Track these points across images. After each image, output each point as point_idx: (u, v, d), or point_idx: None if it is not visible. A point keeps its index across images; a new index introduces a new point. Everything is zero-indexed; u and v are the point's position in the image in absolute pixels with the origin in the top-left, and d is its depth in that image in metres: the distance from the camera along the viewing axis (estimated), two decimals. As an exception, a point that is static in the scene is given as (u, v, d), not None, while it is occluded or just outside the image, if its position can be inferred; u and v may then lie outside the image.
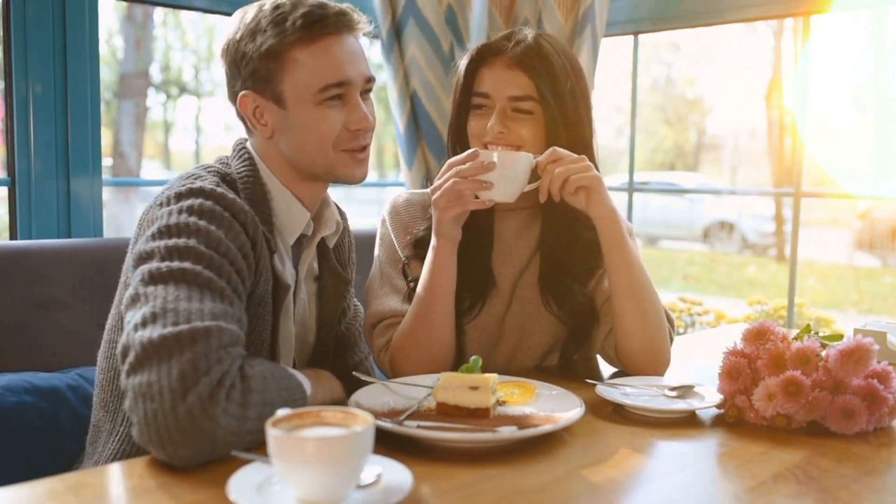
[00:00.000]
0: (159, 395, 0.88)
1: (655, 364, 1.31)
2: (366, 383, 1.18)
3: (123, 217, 8.91)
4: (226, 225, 1.06)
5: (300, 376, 1.07)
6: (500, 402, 1.11)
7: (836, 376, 1.07)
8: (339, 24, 1.15)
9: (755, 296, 3.65)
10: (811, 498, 0.86)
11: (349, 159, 1.19)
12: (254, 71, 1.15)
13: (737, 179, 14.19)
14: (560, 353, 1.41)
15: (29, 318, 1.47)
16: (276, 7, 1.14)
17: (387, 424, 0.98)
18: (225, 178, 1.16)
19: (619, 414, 1.14)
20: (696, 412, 1.15)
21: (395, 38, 2.31)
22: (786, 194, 2.41)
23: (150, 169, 12.14)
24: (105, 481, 0.89)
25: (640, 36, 2.46)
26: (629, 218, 2.64)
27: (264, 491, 0.79)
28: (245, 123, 1.22)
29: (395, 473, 0.83)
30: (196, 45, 12.77)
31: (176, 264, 0.99)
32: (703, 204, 11.91)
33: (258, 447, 0.89)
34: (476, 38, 2.33)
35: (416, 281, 1.33)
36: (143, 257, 1.02)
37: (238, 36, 1.15)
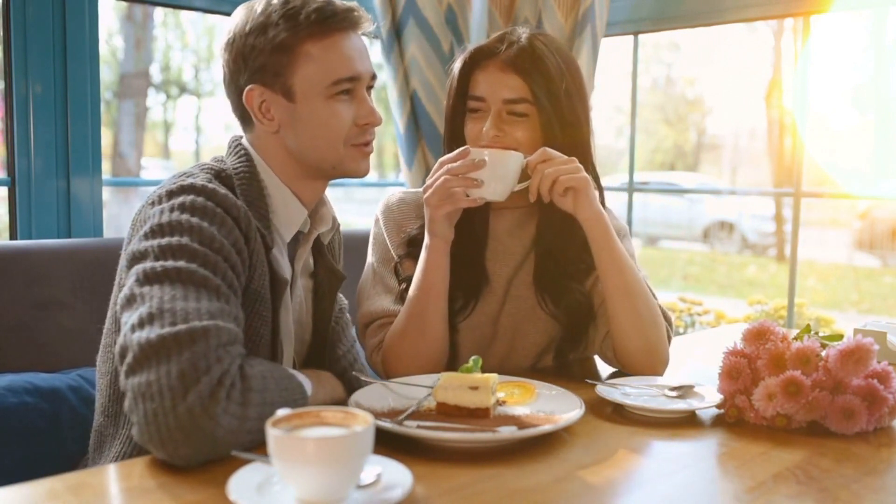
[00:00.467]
0: (159, 394, 0.88)
1: (654, 363, 1.31)
2: (366, 383, 1.18)
3: (123, 217, 8.91)
4: (218, 221, 1.05)
5: (301, 376, 1.07)
6: (500, 402, 1.11)
7: (836, 376, 1.07)
8: (348, 20, 1.17)
9: (755, 296, 3.65)
10: (811, 498, 0.86)
11: (357, 154, 1.20)
12: (263, 65, 1.15)
13: (737, 179, 14.19)
14: (555, 352, 1.41)
15: (29, 318, 1.47)
16: (287, 2, 1.15)
17: (387, 424, 0.98)
18: (219, 175, 1.16)
19: (619, 414, 1.14)
20: (696, 412, 1.15)
21: (395, 38, 2.31)
22: (786, 194, 2.41)
23: (150, 169, 12.14)
24: (105, 481, 0.89)
25: (640, 36, 2.46)
26: (629, 218, 2.64)
27: (264, 491, 0.79)
28: (244, 119, 1.21)
29: (395, 473, 0.83)
30: (196, 45, 12.77)
31: (170, 263, 0.99)
32: (703, 204, 11.91)
33: (258, 447, 0.89)
34: (476, 38, 2.33)
35: (408, 280, 1.33)
36: (137, 257, 1.02)
37: (247, 29, 1.15)
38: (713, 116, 15.38)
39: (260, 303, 1.13)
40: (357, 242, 1.50)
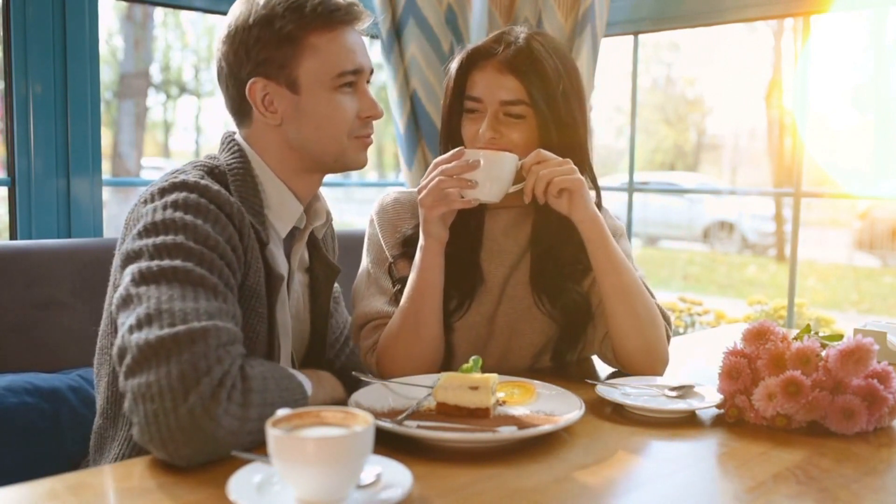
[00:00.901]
0: (159, 395, 0.87)
1: (653, 363, 1.31)
2: (366, 383, 1.18)
3: (123, 217, 8.89)
4: (212, 218, 1.05)
5: (301, 376, 1.07)
6: (500, 402, 1.11)
7: (836, 376, 1.07)
8: (351, 14, 1.18)
9: (755, 296, 3.65)
10: (811, 498, 0.86)
11: (359, 145, 1.22)
12: (267, 57, 1.15)
13: (737, 179, 14.19)
14: (553, 353, 1.41)
15: (29, 318, 1.47)
16: None
17: (387, 424, 0.98)
18: (212, 172, 1.15)
19: (618, 414, 1.14)
20: (696, 412, 1.15)
21: (395, 38, 2.31)
22: (786, 194, 2.41)
23: (152, 169, 12.14)
24: (105, 481, 0.89)
25: (640, 36, 2.46)
26: (629, 218, 2.64)
27: (264, 491, 0.79)
28: (240, 113, 1.20)
29: (395, 473, 0.83)
30: (196, 45, 12.76)
31: (166, 262, 0.98)
32: (703, 204, 11.91)
33: (258, 447, 0.89)
34: (476, 37, 2.33)
35: (402, 282, 1.33)
36: (132, 257, 1.01)
37: (251, 21, 1.14)
38: (713, 116, 15.38)
39: (256, 299, 1.13)
40: (357, 242, 1.50)
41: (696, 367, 1.46)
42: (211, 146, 13.02)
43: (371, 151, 1.26)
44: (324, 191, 1.43)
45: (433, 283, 1.28)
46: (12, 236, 1.82)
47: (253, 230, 1.12)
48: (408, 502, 0.81)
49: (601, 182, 1.45)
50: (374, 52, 2.37)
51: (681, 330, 3.58)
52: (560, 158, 1.25)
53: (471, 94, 1.34)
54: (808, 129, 2.25)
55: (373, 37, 2.34)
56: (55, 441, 1.35)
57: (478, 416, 1.05)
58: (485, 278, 1.39)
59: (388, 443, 0.95)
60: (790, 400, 1.05)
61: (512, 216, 1.41)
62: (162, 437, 0.87)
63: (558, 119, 1.31)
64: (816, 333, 1.14)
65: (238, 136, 1.24)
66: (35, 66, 1.78)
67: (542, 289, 1.38)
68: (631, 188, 2.62)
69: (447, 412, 1.06)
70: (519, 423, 1.03)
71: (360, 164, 1.24)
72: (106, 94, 10.87)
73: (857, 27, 11.31)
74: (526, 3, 2.27)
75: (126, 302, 0.97)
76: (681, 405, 1.14)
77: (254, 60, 1.15)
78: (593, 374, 1.40)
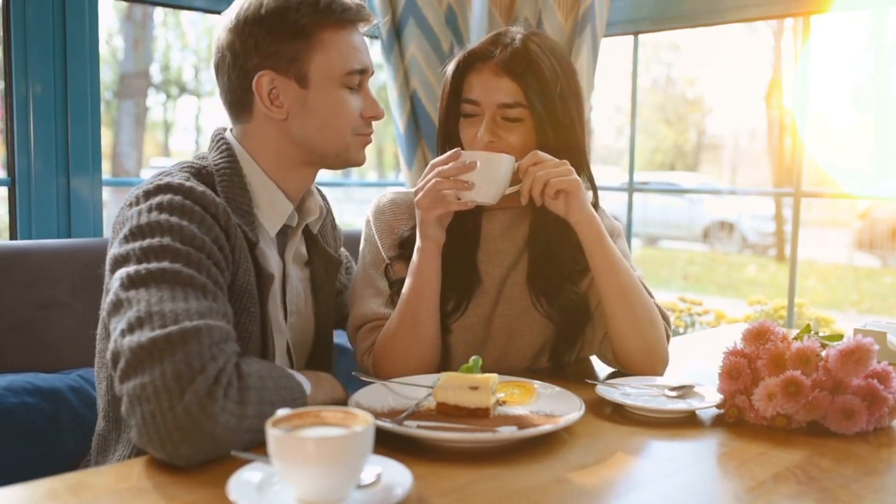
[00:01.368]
0: (155, 396, 0.87)
1: (653, 363, 1.31)
2: (366, 383, 1.18)
3: (123, 217, 8.89)
4: (197, 219, 1.05)
5: (300, 376, 1.07)
6: (500, 402, 1.11)
7: (836, 376, 1.07)
8: (361, 14, 1.19)
9: (755, 296, 3.65)
10: (811, 498, 0.86)
11: (361, 143, 1.24)
12: (278, 50, 1.14)
13: (737, 179, 14.19)
14: (550, 353, 1.40)
15: (29, 318, 1.47)
16: None
17: (387, 424, 0.98)
18: (199, 173, 1.15)
19: (618, 414, 1.14)
20: (696, 412, 1.15)
21: (395, 38, 2.31)
22: (786, 194, 2.41)
23: (154, 169, 12.15)
24: (104, 481, 0.89)
25: (640, 36, 2.46)
26: (629, 218, 2.64)
27: (264, 491, 0.79)
28: (240, 106, 1.19)
29: (395, 473, 0.83)
30: (196, 45, 12.77)
31: (154, 265, 0.98)
32: (703, 204, 11.91)
33: (258, 447, 0.89)
34: (476, 38, 2.33)
35: (399, 283, 1.33)
36: (119, 261, 1.01)
37: (263, 11, 1.14)
38: (713, 116, 15.40)
39: (247, 299, 1.13)
40: (356, 242, 1.50)
41: (696, 367, 1.46)
42: (211, 146, 12.97)
43: (371, 151, 1.27)
44: (324, 191, 1.43)
45: (430, 284, 1.27)
46: (12, 236, 1.82)
47: (240, 230, 1.12)
48: (408, 502, 0.81)
49: (602, 182, 1.45)
50: (374, 52, 2.37)
51: (681, 330, 3.58)
52: (556, 160, 1.25)
53: (468, 97, 1.33)
54: (808, 129, 2.25)
55: (373, 37, 2.34)
56: (55, 441, 1.35)
57: (478, 416, 1.05)
58: (482, 279, 1.39)
59: (388, 443, 0.95)
60: (790, 400, 1.05)
61: (509, 217, 1.41)
62: (160, 437, 0.87)
63: (555, 120, 1.31)
64: (816, 333, 1.14)
65: (228, 134, 1.23)
66: (35, 66, 1.78)
67: (540, 289, 1.37)
68: (631, 188, 2.62)
69: (447, 412, 1.06)
70: (519, 423, 1.03)
71: (360, 161, 1.25)
72: (106, 94, 10.88)
73: (857, 27, 11.32)
74: (526, 3, 2.27)
75: (116, 307, 0.97)
76: (681, 405, 1.14)
77: (263, 52, 1.14)
78: (592, 375, 1.40)
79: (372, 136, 1.26)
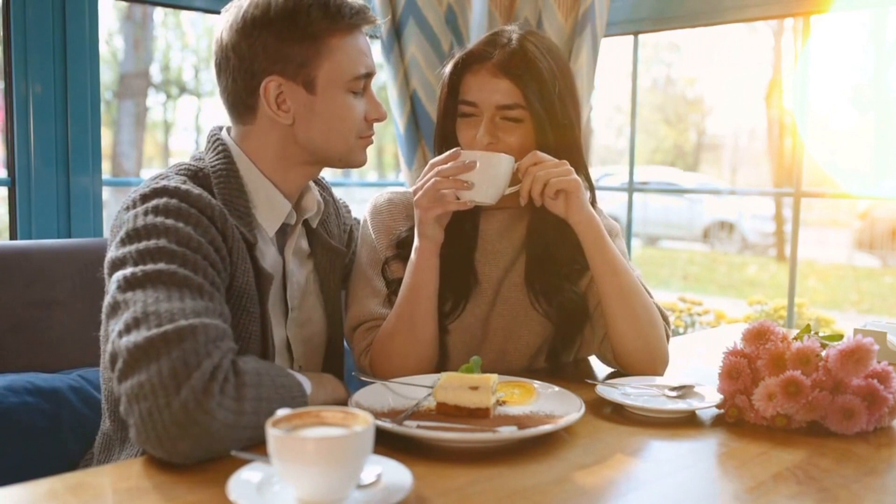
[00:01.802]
0: (152, 393, 0.88)
1: (653, 363, 1.31)
2: (366, 383, 1.18)
3: (123, 217, 8.89)
4: (193, 221, 1.05)
5: (300, 376, 1.07)
6: (500, 402, 1.11)
7: (836, 376, 1.07)
8: (368, 18, 1.20)
9: (755, 296, 3.66)
10: (811, 498, 0.86)
11: (364, 145, 1.25)
12: (287, 54, 1.14)
13: (737, 179, 14.19)
14: (548, 353, 1.40)
15: (29, 318, 1.47)
16: None
17: (387, 424, 0.98)
18: (196, 175, 1.15)
19: (619, 414, 1.14)
20: (696, 412, 1.15)
21: (395, 38, 2.31)
22: (786, 194, 2.41)
23: (150, 169, 12.15)
24: (104, 481, 0.89)
25: (640, 36, 2.46)
26: (629, 218, 2.64)
27: (264, 491, 0.79)
28: (244, 108, 1.19)
29: (395, 473, 0.83)
30: (196, 45, 12.76)
31: (150, 267, 0.98)
32: (703, 204, 11.91)
33: (257, 446, 0.89)
34: (476, 38, 2.32)
35: (396, 284, 1.32)
36: (117, 264, 1.02)
37: (272, 14, 1.13)
38: (713, 116, 15.39)
39: (246, 299, 1.13)
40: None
41: (696, 367, 1.46)
42: (211, 146, 12.96)
43: (371, 151, 1.28)
44: (324, 190, 1.43)
45: (428, 284, 1.27)
46: (12, 236, 1.82)
47: (238, 231, 1.12)
48: (408, 502, 0.81)
49: (603, 182, 1.45)
50: (375, 52, 2.37)
51: (681, 330, 3.58)
52: (556, 160, 1.25)
53: (466, 99, 1.33)
54: (808, 129, 2.25)
55: (373, 37, 2.34)
56: (56, 441, 1.35)
57: (478, 416, 1.05)
58: (479, 280, 1.38)
59: (388, 443, 0.95)
60: (790, 400, 1.05)
61: (506, 217, 1.41)
62: (158, 434, 0.87)
63: (555, 120, 1.31)
64: (816, 333, 1.14)
65: (224, 135, 1.23)
66: (35, 66, 1.78)
67: (539, 289, 1.37)
68: (631, 188, 2.62)
69: (447, 412, 1.06)
70: (519, 423, 1.03)
71: (361, 163, 1.26)
72: (106, 94, 10.87)
73: (857, 27, 11.32)
74: (526, 3, 2.27)
75: (114, 309, 0.98)
76: (681, 405, 1.14)
77: (272, 56, 1.14)
78: (592, 375, 1.40)
79: (373, 137, 1.27)
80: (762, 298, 3.61)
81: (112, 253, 1.04)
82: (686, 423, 1.12)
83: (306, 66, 1.15)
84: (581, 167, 1.34)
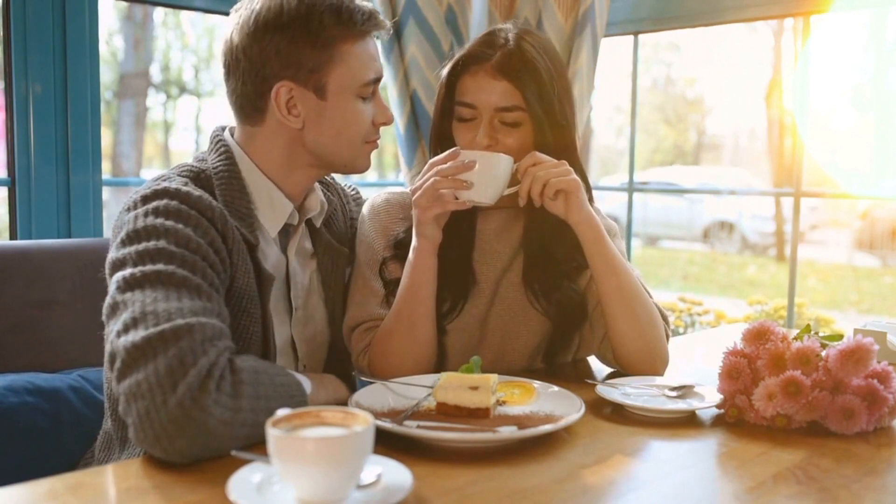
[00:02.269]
0: (149, 392, 0.88)
1: (653, 363, 1.31)
2: (366, 383, 1.18)
3: (123, 217, 8.89)
4: (193, 222, 1.06)
5: (299, 376, 1.08)
6: (500, 402, 1.11)
7: (836, 376, 1.07)
8: (380, 24, 1.20)
9: (755, 296, 3.66)
10: (811, 498, 0.86)
11: (369, 150, 1.25)
12: (300, 60, 1.14)
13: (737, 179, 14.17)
14: (545, 352, 1.40)
15: (29, 318, 1.47)
16: None
17: (387, 424, 0.98)
18: (198, 177, 1.16)
19: (619, 414, 1.14)
20: (696, 412, 1.15)
21: (395, 38, 2.31)
22: (786, 194, 2.41)
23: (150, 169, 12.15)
24: (104, 481, 0.89)
25: (640, 36, 2.46)
26: (629, 218, 2.64)
27: (264, 491, 0.79)
28: (253, 111, 1.19)
29: (395, 473, 0.83)
30: (196, 45, 12.77)
31: (149, 268, 0.99)
32: (703, 204, 11.91)
33: (257, 446, 0.89)
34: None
35: (393, 283, 1.32)
36: (117, 265, 1.03)
37: (285, 18, 1.13)
38: (713, 116, 15.38)
39: (247, 300, 1.13)
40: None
41: (696, 367, 1.46)
42: (211, 146, 12.96)
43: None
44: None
45: (426, 284, 1.27)
46: (12, 236, 1.82)
47: (239, 233, 1.12)
48: (408, 502, 0.81)
49: (604, 182, 1.45)
50: (374, 52, 2.36)
51: (681, 330, 3.58)
52: (555, 160, 1.25)
53: (464, 101, 1.32)
54: (808, 129, 2.25)
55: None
56: (56, 441, 1.35)
57: (478, 416, 1.05)
58: (477, 280, 1.38)
59: (388, 443, 0.95)
60: (790, 400, 1.05)
61: (504, 217, 1.41)
62: (155, 432, 0.87)
63: (553, 121, 1.30)
64: (816, 333, 1.14)
65: (227, 135, 1.23)
66: (35, 66, 1.78)
67: (537, 287, 1.37)
68: (631, 188, 2.62)
69: (447, 412, 1.06)
70: (519, 423, 1.03)
71: (365, 168, 1.27)
72: (106, 94, 10.87)
73: (857, 27, 11.32)
74: (526, 3, 2.27)
75: (114, 309, 0.98)
76: (681, 405, 1.14)
77: (284, 61, 1.14)
78: (592, 375, 1.40)
79: (378, 141, 1.27)
80: (762, 298, 3.61)
81: (113, 254, 1.04)
82: (686, 423, 1.12)
83: (317, 72, 1.15)
84: (577, 167, 1.34)
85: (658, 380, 1.25)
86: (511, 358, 1.40)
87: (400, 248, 1.35)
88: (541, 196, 1.23)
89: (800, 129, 2.22)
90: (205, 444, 0.89)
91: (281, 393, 0.99)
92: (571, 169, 1.25)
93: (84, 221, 1.87)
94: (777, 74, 12.47)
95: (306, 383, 1.08)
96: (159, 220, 1.04)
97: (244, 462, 0.85)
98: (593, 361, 1.46)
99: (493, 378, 1.07)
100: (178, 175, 1.14)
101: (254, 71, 1.15)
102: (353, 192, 1.50)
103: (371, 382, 1.18)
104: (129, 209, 1.08)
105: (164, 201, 1.06)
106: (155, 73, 12.21)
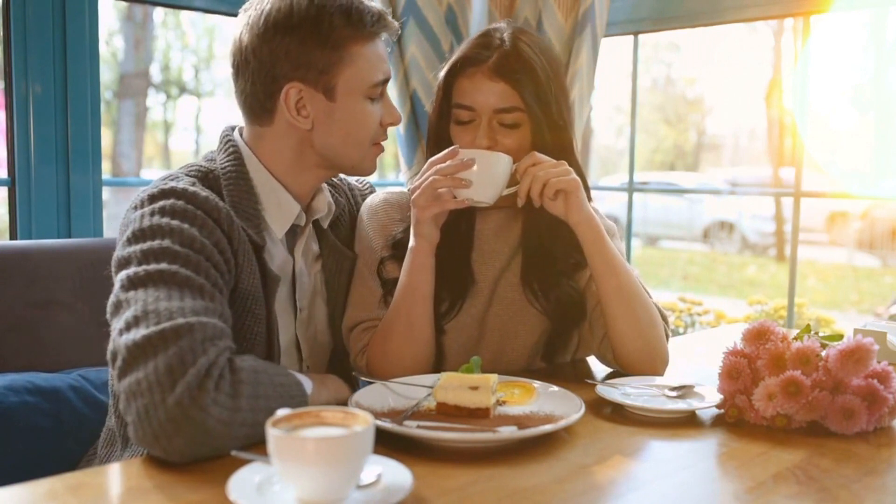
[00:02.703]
0: (148, 390, 0.88)
1: (654, 363, 1.31)
2: (367, 383, 1.18)
3: (123, 217, 8.91)
4: (199, 223, 1.06)
5: (300, 376, 1.07)
6: (500, 402, 1.11)
7: (836, 376, 1.07)
8: (388, 25, 1.20)
9: (755, 296, 3.66)
10: (811, 498, 0.86)
11: (376, 152, 1.26)
12: (309, 61, 1.14)
13: (737, 180, 14.17)
14: (543, 351, 1.40)
15: (29, 318, 1.47)
16: None
17: (387, 424, 0.98)
18: (206, 177, 1.16)
19: (619, 414, 1.14)
20: (696, 412, 1.15)
21: (395, 38, 2.31)
22: (786, 194, 2.41)
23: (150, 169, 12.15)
24: (104, 481, 0.89)
25: (640, 36, 2.46)
26: (629, 218, 2.64)
27: (264, 491, 0.79)
28: (262, 111, 1.19)
29: (395, 473, 0.83)
30: (196, 45, 12.77)
31: (153, 267, 0.99)
32: (703, 204, 11.91)
33: (257, 446, 0.89)
34: (476, 38, 2.32)
35: (391, 283, 1.32)
36: (122, 263, 1.03)
37: (295, 20, 1.13)
38: (713, 116, 15.38)
39: (251, 301, 1.14)
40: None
41: (696, 367, 1.46)
42: (211, 147, 12.99)
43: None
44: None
45: (424, 285, 1.27)
46: (12, 236, 1.82)
47: (245, 234, 1.12)
48: (408, 502, 0.81)
49: (604, 182, 1.45)
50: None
51: (681, 330, 3.58)
52: (554, 160, 1.25)
53: (462, 103, 1.31)
54: (808, 129, 2.25)
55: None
56: (56, 440, 1.35)
57: (478, 416, 1.05)
58: (476, 279, 1.38)
59: (388, 443, 0.95)
60: (790, 400, 1.05)
61: (502, 217, 1.41)
62: (154, 430, 0.87)
63: (551, 121, 1.30)
64: (816, 333, 1.14)
65: (236, 135, 1.23)
66: (35, 66, 1.78)
67: (535, 284, 1.37)
68: (631, 188, 2.62)
69: (447, 412, 1.06)
70: (519, 423, 1.03)
71: (371, 171, 1.27)
72: (106, 94, 10.87)
73: (857, 27, 11.32)
74: (526, 3, 2.27)
75: (117, 307, 0.99)
76: (681, 405, 1.14)
77: (294, 62, 1.14)
78: (592, 375, 1.40)
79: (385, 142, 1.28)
80: (762, 298, 3.61)
81: (118, 252, 1.05)
82: (686, 423, 1.12)
83: (327, 73, 1.15)
84: (576, 167, 1.34)
85: (658, 380, 1.25)
86: (510, 358, 1.40)
87: (398, 249, 1.35)
88: (540, 196, 1.23)
89: (800, 129, 2.22)
90: (203, 443, 0.89)
91: (281, 393, 0.99)
92: (571, 169, 1.24)
93: (84, 221, 1.87)
94: (777, 74, 12.48)
95: (307, 383, 1.08)
96: (165, 220, 1.04)
97: (244, 462, 0.85)
98: (593, 361, 1.46)
99: (493, 378, 1.07)
100: (186, 175, 1.15)
101: (263, 71, 1.15)
102: (366, 188, 1.49)
103: (371, 382, 1.18)
104: (135, 207, 1.09)
105: (171, 201, 1.06)
106: (155, 73, 12.22)
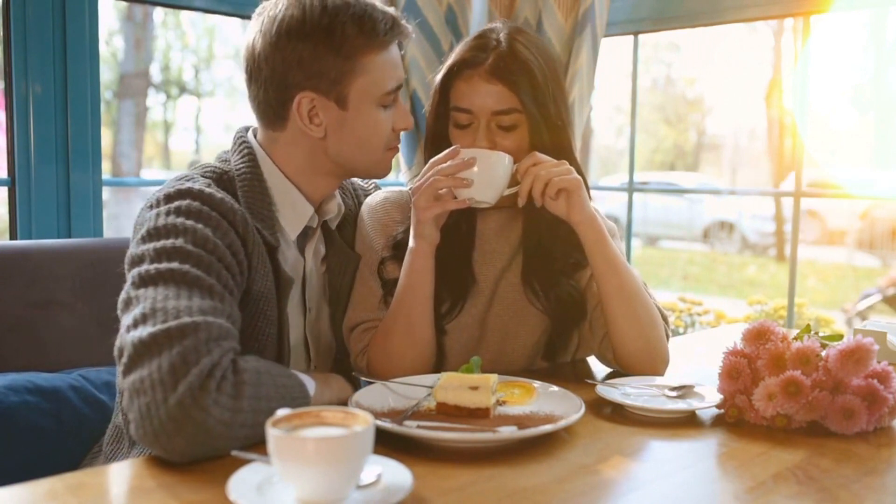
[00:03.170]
0: (151, 388, 0.88)
1: (654, 363, 1.31)
2: (368, 383, 1.18)
3: (123, 217, 8.92)
4: (213, 223, 1.06)
5: (303, 376, 1.08)
6: (500, 402, 1.11)
7: (836, 376, 1.07)
8: (401, 32, 1.20)
9: (755, 296, 3.66)
10: (811, 498, 0.86)
11: (390, 157, 1.26)
12: (322, 70, 1.14)
13: (737, 179, 14.18)
14: (544, 350, 1.40)
15: (29, 318, 1.47)
16: (348, 6, 1.14)
17: (387, 424, 0.98)
18: (221, 178, 1.16)
19: (619, 414, 1.14)
20: (696, 412, 1.15)
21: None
22: (786, 194, 2.41)
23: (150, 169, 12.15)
24: (105, 481, 0.89)
25: (640, 36, 2.46)
26: (629, 218, 2.64)
27: (264, 491, 0.79)
28: (276, 118, 1.19)
29: (395, 473, 0.83)
30: (196, 45, 12.77)
31: (164, 265, 1.00)
32: (703, 204, 11.91)
33: (257, 445, 0.89)
34: (476, 38, 2.32)
35: (392, 283, 1.32)
36: (135, 261, 1.04)
37: (308, 28, 1.12)
38: (713, 116, 15.38)
39: (264, 302, 1.14)
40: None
41: (696, 367, 1.46)
42: (211, 147, 13.01)
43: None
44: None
45: (423, 285, 1.27)
46: (12, 236, 1.82)
47: (259, 235, 1.13)
48: (408, 502, 0.81)
49: (604, 182, 1.45)
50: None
51: (681, 330, 3.58)
52: (555, 160, 1.25)
53: (460, 106, 1.31)
54: (808, 129, 2.25)
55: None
56: (56, 440, 1.35)
57: (478, 416, 1.05)
58: (477, 280, 1.38)
59: (388, 443, 0.95)
60: (790, 400, 1.05)
61: (503, 217, 1.41)
62: (154, 429, 0.87)
63: (549, 122, 1.30)
64: (816, 333, 1.14)
65: (251, 137, 1.24)
66: (35, 66, 1.78)
67: (536, 284, 1.37)
68: (631, 188, 2.62)
69: (447, 412, 1.06)
70: (519, 423, 1.03)
71: (386, 173, 1.28)
72: (106, 94, 10.88)
73: (857, 27, 11.32)
74: (526, 3, 2.27)
75: (127, 304, 0.99)
76: (681, 405, 1.14)
77: (306, 70, 1.14)
78: (592, 375, 1.40)
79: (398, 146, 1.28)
80: (762, 298, 3.61)
81: (132, 249, 1.06)
82: (686, 423, 1.12)
83: (339, 83, 1.15)
84: (575, 167, 1.34)
85: (658, 380, 1.25)
86: (510, 358, 1.40)
87: (398, 249, 1.34)
88: (542, 195, 1.23)
89: (800, 129, 2.22)
90: (204, 443, 0.89)
91: (283, 394, 0.99)
92: (572, 169, 1.24)
93: (84, 221, 1.87)
94: (777, 74, 12.48)
95: (310, 384, 1.08)
96: (179, 220, 1.05)
97: (244, 462, 0.85)
98: (593, 361, 1.46)
99: (493, 378, 1.07)
100: (202, 176, 1.15)
101: (275, 79, 1.15)
102: (370, 188, 1.49)
103: (372, 382, 1.18)
104: (151, 206, 1.09)
105: (187, 201, 1.07)
106: (155, 73, 12.22)
